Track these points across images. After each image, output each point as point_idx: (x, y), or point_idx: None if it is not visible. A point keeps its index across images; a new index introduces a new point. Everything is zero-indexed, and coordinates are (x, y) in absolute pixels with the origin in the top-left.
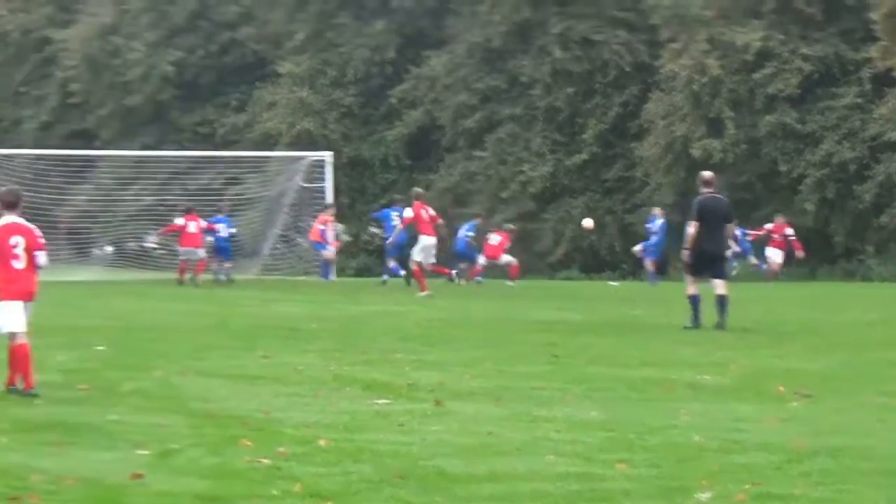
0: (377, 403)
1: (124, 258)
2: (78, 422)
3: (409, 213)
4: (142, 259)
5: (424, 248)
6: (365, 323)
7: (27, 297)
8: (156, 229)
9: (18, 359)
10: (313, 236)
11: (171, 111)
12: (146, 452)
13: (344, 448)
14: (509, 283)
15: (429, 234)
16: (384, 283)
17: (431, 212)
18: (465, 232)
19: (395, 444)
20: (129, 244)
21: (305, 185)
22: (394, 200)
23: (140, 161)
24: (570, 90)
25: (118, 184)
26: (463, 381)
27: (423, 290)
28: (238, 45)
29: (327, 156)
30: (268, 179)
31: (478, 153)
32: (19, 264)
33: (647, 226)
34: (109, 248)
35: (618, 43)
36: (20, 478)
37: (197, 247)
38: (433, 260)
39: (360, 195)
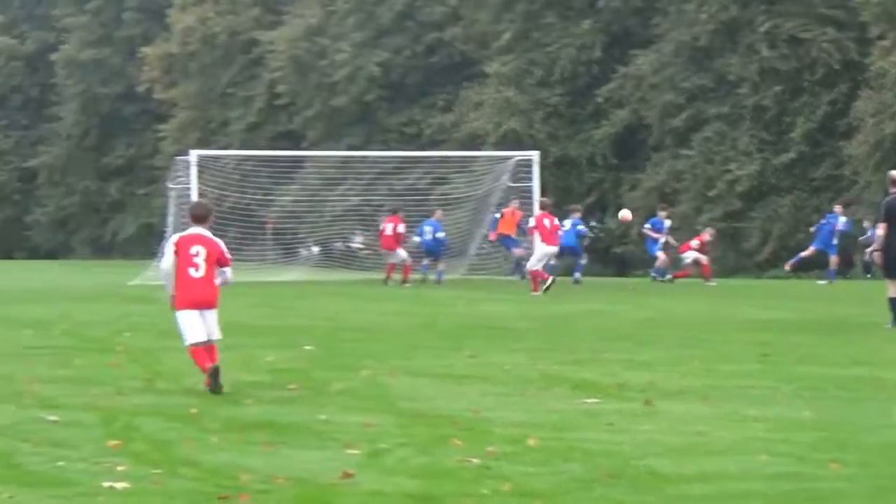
0: (586, 403)
1: (331, 258)
2: (287, 421)
3: (532, 222)
4: (348, 259)
5: (543, 256)
6: (572, 322)
7: (202, 305)
8: (362, 230)
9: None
10: (508, 230)
11: (378, 111)
12: (356, 452)
13: (554, 447)
14: (709, 283)
15: (550, 244)
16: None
17: (555, 222)
18: (573, 227)
19: (605, 443)
20: (336, 244)
21: (512, 184)
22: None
23: (346, 161)
24: (777, 88)
25: (324, 184)
26: (672, 381)
27: (535, 290)
28: (445, 46)
29: (534, 155)
30: (474, 179)
31: (684, 152)
32: (197, 273)
33: (827, 222)
34: (316, 249)
35: (826, 40)
36: (231, 477)
37: (391, 249)
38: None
39: (566, 195)
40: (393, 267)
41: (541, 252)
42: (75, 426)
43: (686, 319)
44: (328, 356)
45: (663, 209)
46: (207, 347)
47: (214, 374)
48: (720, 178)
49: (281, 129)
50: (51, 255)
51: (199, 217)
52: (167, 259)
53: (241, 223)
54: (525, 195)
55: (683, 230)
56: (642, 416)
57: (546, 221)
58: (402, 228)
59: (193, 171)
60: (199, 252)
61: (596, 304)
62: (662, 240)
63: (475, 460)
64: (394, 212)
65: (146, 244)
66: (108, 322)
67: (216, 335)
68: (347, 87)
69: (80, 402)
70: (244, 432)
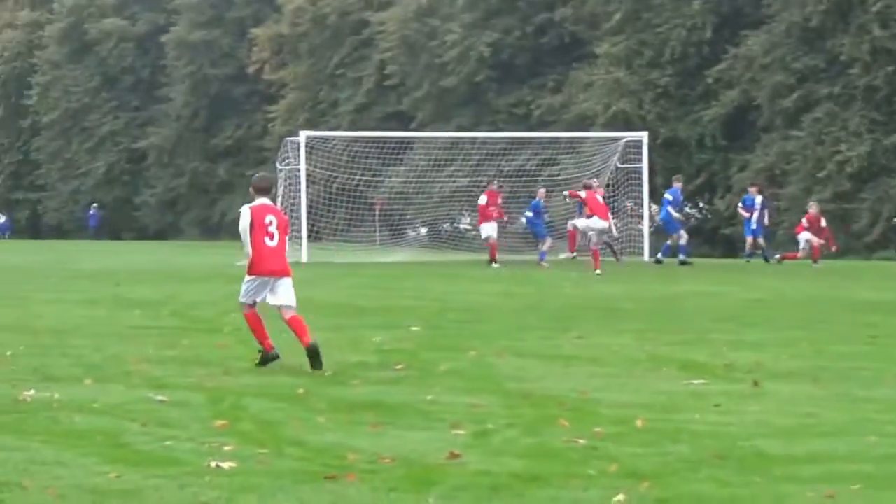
0: (693, 384)
1: (438, 239)
2: (394, 402)
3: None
4: (455, 240)
5: (600, 231)
6: (680, 303)
7: (276, 273)
8: (469, 211)
9: (294, 327)
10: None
11: (487, 92)
12: (463, 432)
13: (661, 428)
14: (814, 264)
15: (603, 218)
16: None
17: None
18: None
19: (712, 424)
20: (443, 225)
21: (621, 165)
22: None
23: (455, 142)
24: (889, 69)
25: (433, 165)
26: (780, 362)
27: (596, 268)
28: (555, 26)
29: (643, 136)
30: (583, 161)
31: (794, 133)
32: (272, 242)
33: None
34: (423, 230)
35: None
36: (337, 457)
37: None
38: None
39: (675, 175)
40: (494, 246)
41: (598, 226)
42: (183, 406)
43: (794, 301)
44: (435, 337)
45: (753, 185)
46: (293, 319)
47: (314, 353)
48: (830, 158)
49: (390, 110)
50: (159, 235)
51: (262, 189)
52: (245, 220)
53: (349, 204)
54: (634, 176)
55: (793, 211)
56: (750, 397)
57: (598, 197)
58: (484, 201)
59: (302, 152)
60: (272, 221)
61: (703, 285)
62: (754, 217)
63: (582, 441)
64: (491, 183)
65: None
66: (216, 302)
67: (293, 302)
68: (457, 68)
69: (187, 382)
70: (351, 412)
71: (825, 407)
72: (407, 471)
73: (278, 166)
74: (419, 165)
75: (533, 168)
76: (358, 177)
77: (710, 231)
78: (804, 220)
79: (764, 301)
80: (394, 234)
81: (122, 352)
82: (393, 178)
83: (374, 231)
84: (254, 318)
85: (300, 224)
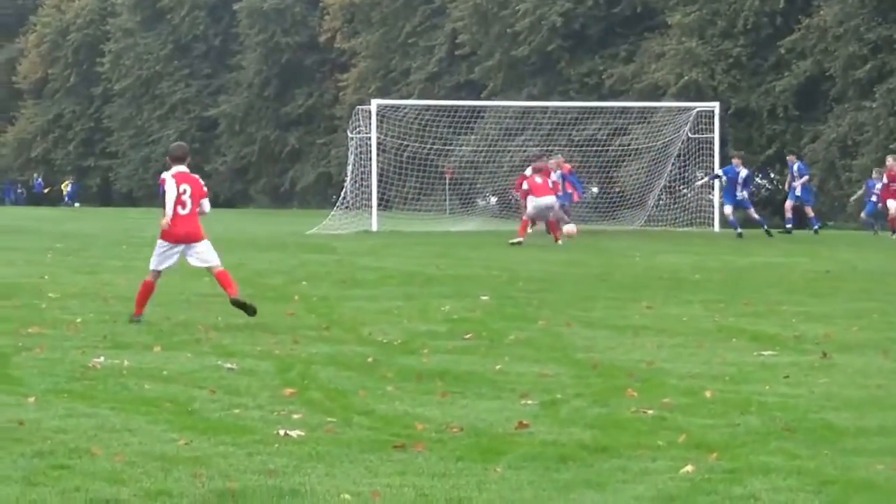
0: (763, 355)
1: (507, 209)
2: (463, 371)
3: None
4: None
5: (546, 207)
6: (750, 274)
7: (187, 239)
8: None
9: (220, 280)
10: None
11: (559, 62)
12: (531, 402)
13: (730, 399)
14: (894, 235)
15: (544, 195)
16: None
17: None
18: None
19: (781, 396)
20: (513, 195)
21: (692, 135)
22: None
23: (526, 112)
24: None
25: (503, 135)
26: (850, 334)
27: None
28: None
29: (715, 107)
30: (654, 130)
31: (867, 104)
32: (184, 210)
33: None
34: (493, 199)
35: None
36: (406, 426)
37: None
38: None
39: (746, 146)
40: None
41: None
42: (251, 374)
43: (865, 272)
44: (504, 306)
45: (791, 153)
46: (219, 274)
47: (239, 304)
48: None
49: (461, 79)
50: (230, 203)
51: (178, 157)
52: (171, 190)
53: (419, 173)
54: (706, 146)
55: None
56: (819, 369)
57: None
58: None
59: (373, 120)
60: (185, 190)
61: (773, 256)
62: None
63: (650, 411)
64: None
65: (324, 194)
66: (285, 271)
67: (214, 262)
68: (529, 37)
69: (256, 350)
70: (420, 381)
71: (895, 379)
72: (475, 440)
73: (349, 134)
74: (490, 135)
75: (603, 137)
76: (429, 146)
77: (780, 202)
78: (885, 178)
79: (834, 272)
80: (464, 204)
81: (190, 319)
82: (463, 148)
83: (444, 200)
84: (149, 287)
85: (370, 193)
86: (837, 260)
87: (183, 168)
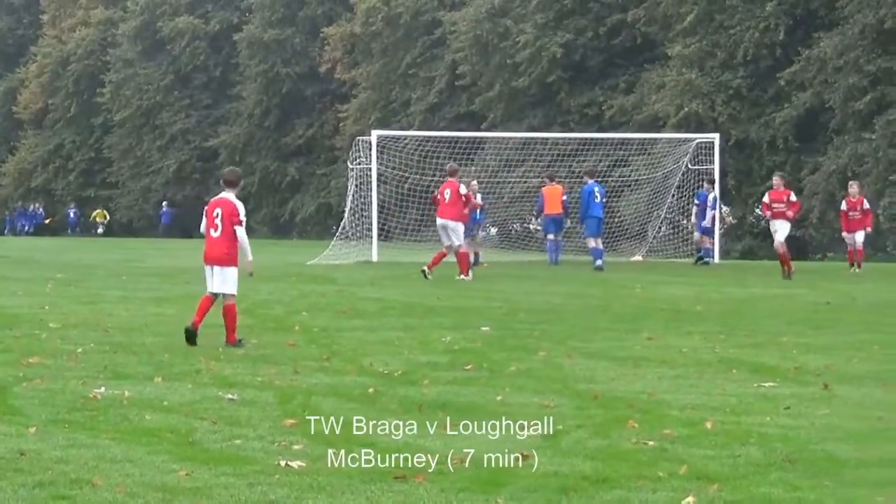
0: (763, 386)
1: (508, 240)
2: (464, 402)
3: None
4: (525, 241)
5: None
6: (750, 306)
7: (213, 261)
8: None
9: (224, 314)
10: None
11: (559, 93)
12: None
13: (731, 431)
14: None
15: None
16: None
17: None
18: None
19: (782, 427)
20: (514, 226)
21: (692, 167)
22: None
23: (526, 143)
24: None
25: (503, 165)
26: (850, 365)
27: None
28: (627, 27)
29: (715, 138)
30: (654, 162)
31: (867, 135)
32: (215, 233)
33: None
34: (493, 230)
35: None
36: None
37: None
38: None
39: (746, 177)
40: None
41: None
42: (252, 405)
43: (865, 304)
44: (505, 337)
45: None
46: (226, 306)
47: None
48: None
49: (461, 110)
50: None
51: (230, 182)
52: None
53: (420, 204)
54: (706, 178)
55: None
56: (820, 400)
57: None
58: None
59: (374, 151)
60: (218, 214)
61: (773, 287)
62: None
63: (651, 443)
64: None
65: (324, 224)
66: (286, 302)
67: (228, 291)
68: (529, 69)
69: (257, 380)
70: (421, 412)
71: None
72: (475, 472)
73: (349, 165)
74: (490, 166)
75: (604, 169)
76: (429, 177)
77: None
78: (845, 206)
79: (834, 304)
80: (464, 234)
81: (191, 350)
82: (464, 179)
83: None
84: (206, 302)
85: (371, 223)
86: (837, 291)
87: (228, 193)
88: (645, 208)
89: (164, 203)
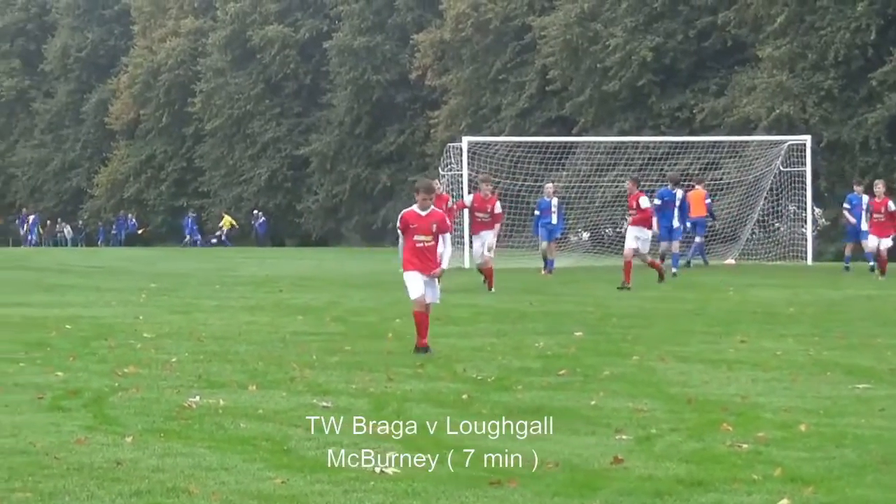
0: (858, 388)
1: (600, 244)
2: (558, 406)
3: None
4: (618, 245)
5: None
6: (843, 307)
7: (425, 270)
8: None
9: (418, 322)
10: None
11: (650, 97)
12: (626, 437)
13: (825, 433)
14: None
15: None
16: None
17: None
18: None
19: (877, 429)
20: (606, 230)
21: (784, 169)
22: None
23: (617, 147)
24: None
25: (595, 170)
26: None
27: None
28: (717, 30)
29: (806, 140)
30: (746, 164)
31: None
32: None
33: None
34: (586, 235)
35: None
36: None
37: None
38: None
39: (839, 179)
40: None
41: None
42: (346, 412)
43: None
44: (598, 342)
45: (857, 183)
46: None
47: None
48: None
49: (552, 115)
50: (321, 242)
51: (427, 191)
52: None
53: (511, 209)
54: (798, 180)
55: None
56: None
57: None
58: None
59: (465, 157)
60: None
61: (866, 289)
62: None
63: (745, 445)
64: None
65: None
66: (379, 309)
67: (430, 299)
68: (619, 72)
69: (351, 388)
70: (514, 417)
71: None
72: (569, 476)
73: (441, 172)
74: (581, 170)
75: (695, 172)
76: (520, 182)
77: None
78: (865, 204)
79: None
80: (557, 239)
81: (285, 358)
82: (556, 184)
83: (537, 236)
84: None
85: (463, 229)
86: None
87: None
88: (737, 211)
89: (257, 212)
